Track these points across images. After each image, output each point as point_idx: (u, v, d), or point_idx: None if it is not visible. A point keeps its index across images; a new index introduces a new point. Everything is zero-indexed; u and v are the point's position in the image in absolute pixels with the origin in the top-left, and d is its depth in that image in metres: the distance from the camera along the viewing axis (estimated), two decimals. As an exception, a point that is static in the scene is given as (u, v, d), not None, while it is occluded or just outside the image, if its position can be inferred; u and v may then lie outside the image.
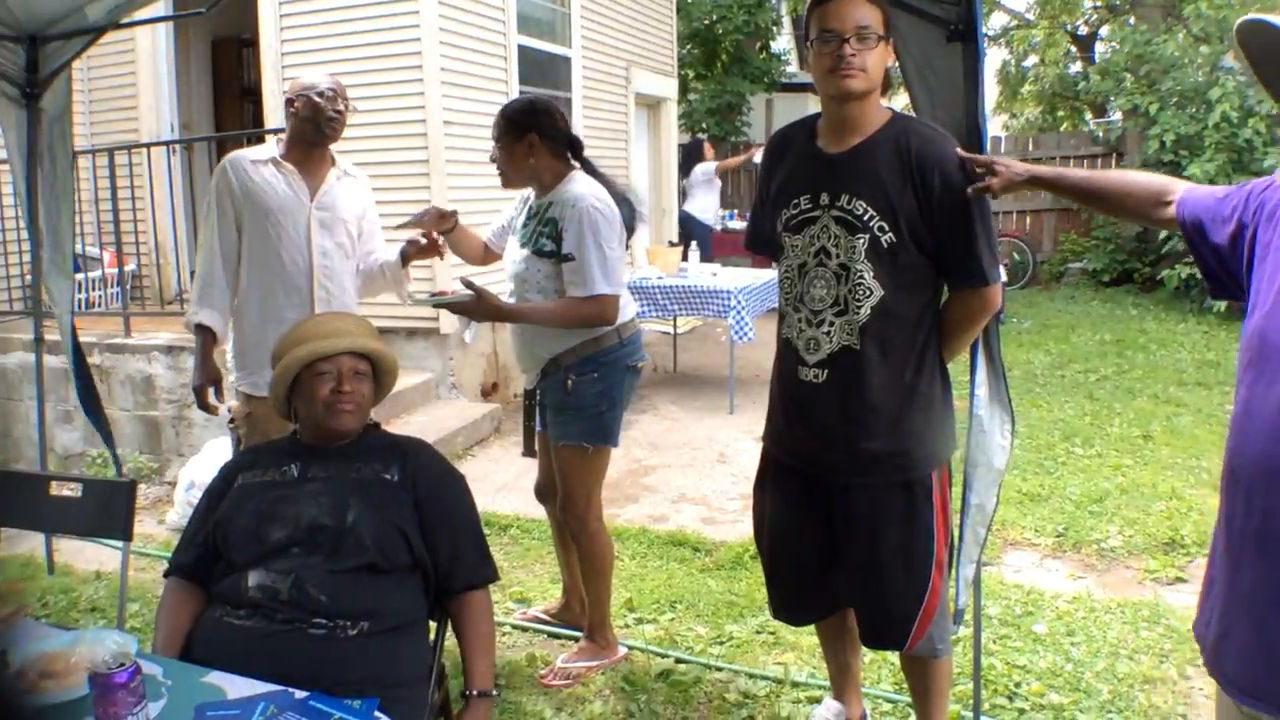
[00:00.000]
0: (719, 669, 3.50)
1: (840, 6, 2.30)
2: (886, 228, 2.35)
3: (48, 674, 1.91)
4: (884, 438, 2.44)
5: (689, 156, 11.81)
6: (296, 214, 3.41)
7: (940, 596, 2.57)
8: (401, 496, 2.35)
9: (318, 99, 3.34)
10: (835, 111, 2.44)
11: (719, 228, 11.90)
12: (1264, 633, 1.63)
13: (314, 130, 3.38)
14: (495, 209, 3.77)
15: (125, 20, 4.54)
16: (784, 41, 19.47)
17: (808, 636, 3.48)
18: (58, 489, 2.95)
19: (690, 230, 11.14)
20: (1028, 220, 14.76)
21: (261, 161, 3.43)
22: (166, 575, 2.37)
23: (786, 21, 18.87)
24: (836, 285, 2.42)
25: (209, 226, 3.48)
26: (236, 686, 1.87)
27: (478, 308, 3.16)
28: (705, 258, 9.63)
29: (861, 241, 2.36)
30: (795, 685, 3.36)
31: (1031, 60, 21.01)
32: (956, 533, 2.73)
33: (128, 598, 3.07)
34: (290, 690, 1.83)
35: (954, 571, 2.72)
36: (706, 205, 11.50)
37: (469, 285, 3.12)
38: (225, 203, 3.44)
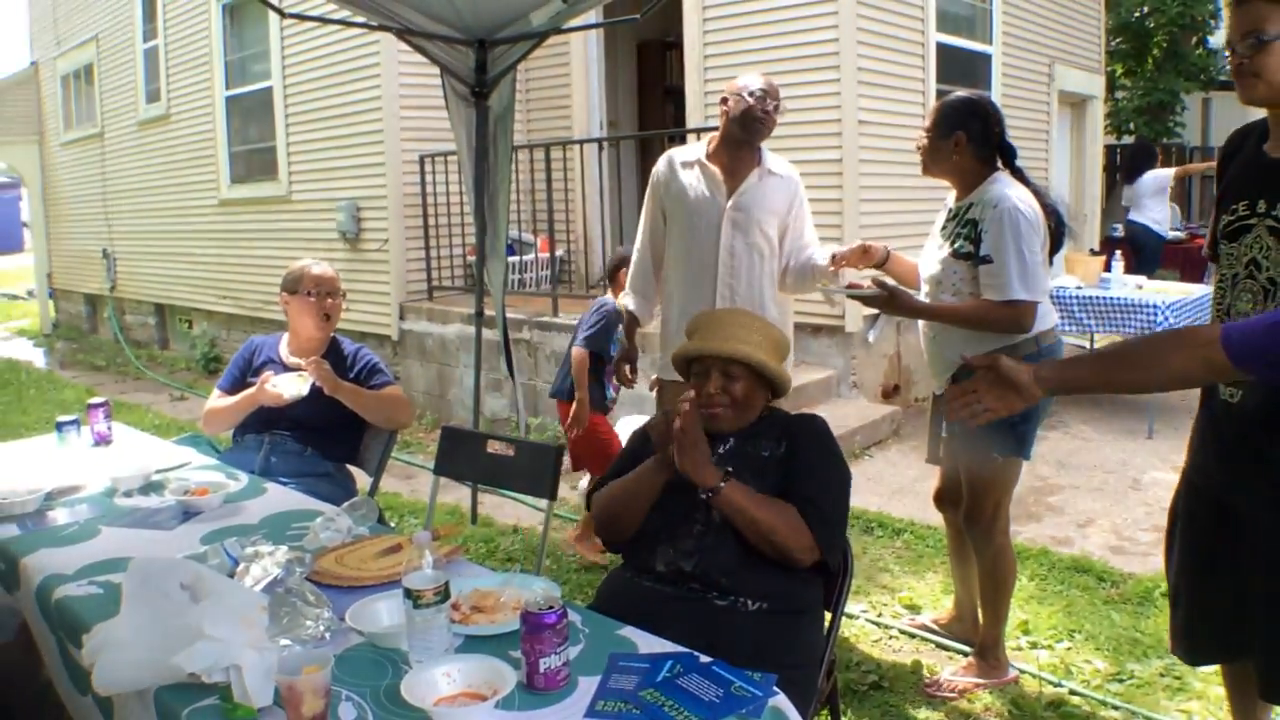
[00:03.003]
0: (1115, 707, 3.25)
1: (1232, 13, 2.14)
2: None
3: (479, 608, 2.13)
4: None
5: (1136, 161, 10.67)
6: (710, 214, 3.54)
7: None
8: (777, 472, 2.39)
9: (749, 98, 3.44)
10: (1274, 115, 2.20)
11: (1168, 237, 10.67)
12: None
13: (740, 129, 3.48)
14: (905, 209, 3.72)
15: (565, 26, 4.89)
16: (1224, 35, 17.69)
17: (1216, 686, 3.16)
18: (493, 447, 3.30)
19: (1141, 242, 10.09)
20: None
21: (689, 162, 3.60)
22: None
23: (1226, 13, 17.14)
24: (1263, 301, 2.15)
25: (643, 217, 3.77)
26: (647, 642, 1.98)
27: (890, 302, 3.17)
28: (1153, 272, 8.88)
29: None
30: (1203, 736, 3.06)
31: None
32: None
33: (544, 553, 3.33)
34: (696, 654, 1.89)
35: None
36: (1159, 215, 10.34)
37: (881, 285, 3.13)
38: (657, 195, 3.68)
